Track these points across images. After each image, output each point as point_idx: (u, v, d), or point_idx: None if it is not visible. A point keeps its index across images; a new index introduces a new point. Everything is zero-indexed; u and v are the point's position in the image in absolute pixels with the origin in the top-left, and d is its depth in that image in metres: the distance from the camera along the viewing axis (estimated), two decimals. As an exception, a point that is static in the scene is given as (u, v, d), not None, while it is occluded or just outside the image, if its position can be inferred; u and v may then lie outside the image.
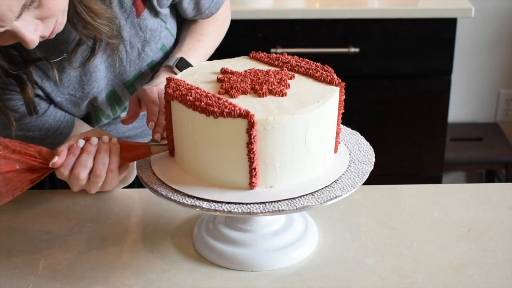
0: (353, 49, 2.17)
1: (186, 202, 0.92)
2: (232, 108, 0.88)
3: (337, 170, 0.98)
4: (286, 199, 0.92)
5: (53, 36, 0.97)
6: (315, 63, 1.02)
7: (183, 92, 0.93)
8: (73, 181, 1.00)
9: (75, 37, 1.08)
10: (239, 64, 1.04)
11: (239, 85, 0.95)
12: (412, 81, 2.27)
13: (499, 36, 2.64)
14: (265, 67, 1.02)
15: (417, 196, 1.19)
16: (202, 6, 1.22)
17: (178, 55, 1.21)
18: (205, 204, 0.91)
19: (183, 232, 1.08)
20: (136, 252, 1.04)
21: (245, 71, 1.00)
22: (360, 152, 1.03)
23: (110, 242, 1.07)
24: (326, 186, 0.94)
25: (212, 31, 1.29)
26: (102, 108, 1.23)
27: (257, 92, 0.94)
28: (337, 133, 1.00)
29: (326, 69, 1.00)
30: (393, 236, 1.07)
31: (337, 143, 1.01)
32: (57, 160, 0.99)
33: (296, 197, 0.92)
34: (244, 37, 2.18)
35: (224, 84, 0.96)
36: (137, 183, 1.34)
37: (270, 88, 0.95)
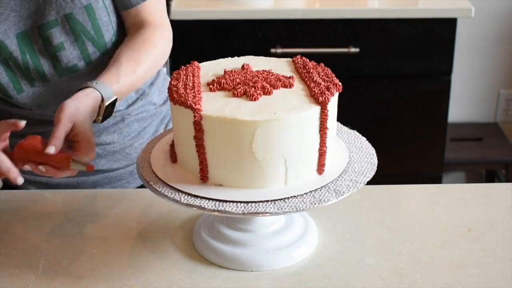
0: (353, 49, 2.17)
1: (186, 202, 0.92)
2: (185, 100, 0.91)
3: (335, 172, 0.98)
4: (286, 199, 0.92)
5: None
6: (334, 79, 0.97)
7: (178, 76, 0.99)
8: None
9: None
10: (271, 65, 1.05)
11: (227, 81, 0.97)
12: (412, 81, 2.27)
13: (499, 36, 2.64)
14: (288, 73, 1.02)
15: (417, 196, 1.19)
16: None
17: (113, 87, 1.11)
18: (205, 204, 0.91)
19: (183, 232, 1.08)
20: (136, 252, 1.04)
21: (256, 70, 1.00)
22: (361, 155, 1.03)
23: (110, 242, 1.07)
24: (322, 188, 0.94)
25: (148, 59, 1.19)
26: (10, 49, 1.14)
27: (233, 91, 0.95)
28: (320, 154, 0.95)
29: (329, 86, 0.95)
30: (393, 236, 1.07)
31: (321, 164, 0.96)
32: None
33: (291, 198, 0.92)
34: (244, 37, 2.18)
35: (217, 78, 0.99)
36: (137, 183, 1.34)
37: (247, 90, 0.95)
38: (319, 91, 0.94)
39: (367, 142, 1.06)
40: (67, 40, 1.16)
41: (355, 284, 0.97)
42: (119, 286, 0.97)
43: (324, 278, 0.98)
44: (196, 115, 0.90)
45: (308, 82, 0.97)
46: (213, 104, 0.92)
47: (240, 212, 0.90)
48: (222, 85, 0.97)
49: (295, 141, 0.92)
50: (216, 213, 0.90)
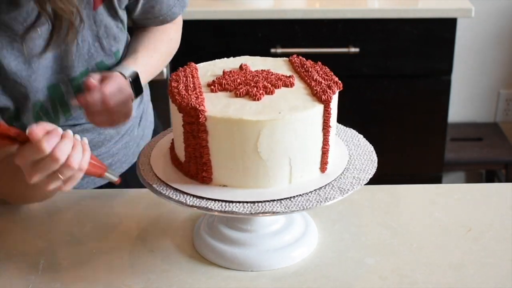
0: (353, 49, 2.17)
1: (186, 202, 0.92)
2: (188, 101, 0.91)
3: (337, 171, 0.98)
4: (286, 199, 0.92)
5: None
6: (333, 77, 0.98)
7: (176, 77, 0.98)
8: (46, 163, 0.89)
9: (33, 13, 1.03)
10: (268, 64, 1.05)
11: (228, 82, 0.97)
12: (412, 81, 2.27)
13: (499, 36, 2.64)
14: (286, 72, 1.02)
15: (417, 196, 1.19)
16: (158, 12, 1.21)
17: (133, 67, 1.17)
18: (205, 204, 0.91)
19: (183, 232, 1.08)
20: (136, 252, 1.04)
21: (256, 70, 1.00)
22: (361, 152, 1.03)
23: (110, 242, 1.07)
24: (326, 186, 0.94)
25: (163, 49, 1.27)
26: (41, 101, 1.14)
27: (236, 91, 0.95)
28: (323, 152, 0.96)
29: (330, 85, 0.95)
30: (393, 236, 1.07)
31: (324, 162, 0.97)
32: (35, 127, 0.88)
33: (296, 197, 0.92)
34: (244, 37, 2.18)
35: (217, 79, 0.98)
36: (137, 183, 1.34)
37: (250, 90, 0.95)
38: (321, 90, 0.94)
39: (364, 139, 1.06)
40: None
41: (355, 284, 0.97)
42: (119, 286, 0.97)
43: (324, 278, 0.98)
44: (200, 116, 0.90)
45: (309, 81, 0.98)
46: (216, 105, 0.92)
47: (247, 212, 0.90)
48: (223, 86, 0.96)
49: (300, 140, 0.92)
50: (223, 214, 0.90)
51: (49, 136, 0.89)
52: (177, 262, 1.02)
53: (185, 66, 1.03)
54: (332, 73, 1.00)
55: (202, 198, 0.92)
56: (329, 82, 0.96)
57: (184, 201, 0.92)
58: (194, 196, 0.93)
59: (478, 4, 2.31)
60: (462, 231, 1.08)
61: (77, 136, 0.95)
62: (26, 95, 1.11)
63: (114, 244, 1.06)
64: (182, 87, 0.95)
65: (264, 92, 0.94)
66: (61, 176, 0.91)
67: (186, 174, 0.97)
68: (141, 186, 1.01)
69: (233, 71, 1.01)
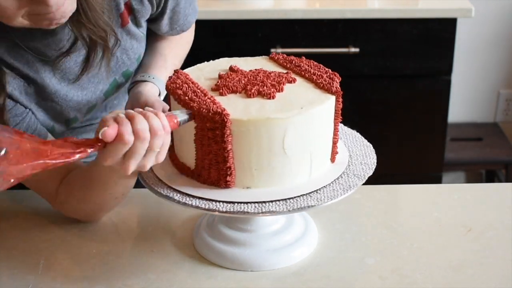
0: (353, 49, 2.17)
1: (186, 202, 0.92)
2: (211, 105, 0.89)
3: (337, 171, 0.98)
4: (286, 199, 0.92)
5: (60, 19, 0.94)
6: (326, 69, 1.00)
7: (178, 85, 0.96)
8: (138, 147, 0.87)
9: (69, 41, 1.06)
10: (253, 64, 1.04)
11: (233, 84, 0.96)
12: (412, 81, 2.27)
13: (499, 36, 2.64)
14: (277, 69, 1.02)
15: (417, 196, 1.19)
16: (175, 22, 1.22)
17: (163, 80, 1.20)
18: (204, 204, 0.91)
19: (183, 232, 1.08)
20: (136, 252, 1.04)
21: (250, 70, 1.00)
22: (361, 152, 1.03)
23: (110, 242, 1.07)
24: (326, 186, 0.94)
25: (182, 53, 1.31)
26: (77, 115, 1.18)
27: (246, 92, 0.95)
28: (334, 143, 0.99)
29: (331, 76, 0.98)
30: (393, 236, 1.07)
31: (334, 152, 1.00)
32: (107, 128, 0.85)
33: (296, 197, 0.92)
34: (244, 37, 2.18)
35: (220, 82, 0.97)
36: (137, 183, 1.34)
37: (261, 89, 0.95)
38: (327, 82, 0.96)
39: (368, 143, 1.06)
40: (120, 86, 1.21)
41: (355, 284, 0.97)
42: (119, 286, 0.97)
43: (324, 278, 0.98)
44: (226, 120, 0.88)
45: (308, 75, 0.99)
46: (235, 108, 0.91)
47: (286, 210, 0.90)
48: (231, 88, 0.96)
49: (318, 133, 0.95)
50: (223, 214, 0.90)
51: (122, 126, 0.86)
52: (177, 262, 1.02)
53: (175, 74, 1.00)
54: (322, 65, 1.02)
55: (202, 198, 0.92)
56: (328, 74, 0.99)
57: (184, 202, 0.92)
58: (194, 196, 0.93)
59: (478, 4, 2.31)
60: (462, 231, 1.08)
61: (137, 109, 0.92)
62: (60, 113, 1.14)
63: (114, 244, 1.06)
64: (191, 94, 0.94)
65: (275, 90, 0.95)
66: (155, 149, 0.89)
67: (204, 182, 0.95)
68: (141, 186, 1.01)
69: (229, 74, 1.00)
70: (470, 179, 2.83)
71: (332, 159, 1.00)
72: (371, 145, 1.05)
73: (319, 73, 0.99)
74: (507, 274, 0.98)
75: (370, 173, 0.98)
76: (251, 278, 0.98)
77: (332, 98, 0.95)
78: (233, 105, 0.91)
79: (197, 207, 0.91)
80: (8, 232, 1.10)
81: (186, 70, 1.03)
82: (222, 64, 1.05)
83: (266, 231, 1.01)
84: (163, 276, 0.99)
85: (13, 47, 1.05)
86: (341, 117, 0.98)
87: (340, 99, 0.96)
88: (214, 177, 0.94)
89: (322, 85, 0.96)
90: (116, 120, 0.87)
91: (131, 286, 0.97)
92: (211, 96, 0.93)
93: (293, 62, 1.03)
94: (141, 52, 1.20)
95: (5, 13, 0.90)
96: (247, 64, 1.05)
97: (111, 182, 0.99)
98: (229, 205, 0.91)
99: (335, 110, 0.96)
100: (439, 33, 2.18)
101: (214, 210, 0.91)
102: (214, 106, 0.89)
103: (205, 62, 1.07)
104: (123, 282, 0.98)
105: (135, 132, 0.86)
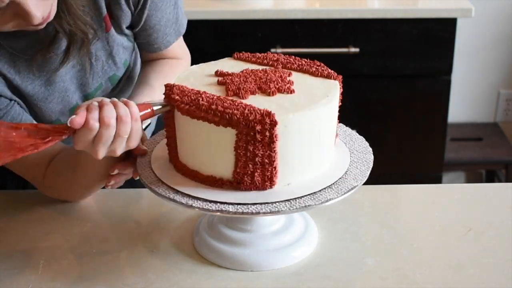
0: (353, 49, 2.17)
1: (186, 202, 0.92)
2: (252, 109, 0.88)
3: (337, 171, 0.98)
4: (286, 200, 0.92)
5: (46, 22, 0.97)
6: (304, 59, 1.03)
7: (192, 98, 0.92)
8: (103, 133, 0.91)
9: (51, 34, 1.07)
10: (228, 65, 1.03)
11: (245, 85, 0.95)
12: (412, 81, 2.27)
13: (499, 36, 2.64)
14: (255, 67, 1.02)
15: (417, 196, 1.19)
16: (154, 40, 1.22)
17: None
18: (204, 204, 0.91)
19: (183, 232, 1.08)
20: (136, 252, 1.04)
21: (242, 71, 1.00)
22: (359, 152, 1.03)
23: (110, 242, 1.07)
24: (326, 187, 0.94)
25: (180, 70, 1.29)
26: (60, 118, 1.20)
27: (265, 91, 0.94)
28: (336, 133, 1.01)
29: (318, 64, 1.01)
30: (393, 236, 1.07)
31: (335, 135, 1.02)
32: (75, 117, 0.90)
33: (296, 198, 0.92)
34: (244, 37, 2.18)
35: (230, 86, 0.95)
36: (137, 183, 1.34)
37: (277, 86, 0.95)
38: (322, 70, 0.99)
39: (366, 142, 1.06)
40: (106, 90, 1.23)
41: (355, 284, 0.97)
42: (119, 286, 0.97)
43: (324, 278, 0.98)
44: (271, 121, 0.87)
45: (295, 67, 1.01)
46: (270, 107, 0.90)
47: (218, 210, 0.90)
48: (247, 90, 0.94)
49: (335, 117, 0.99)
50: (223, 214, 0.90)
51: (90, 113, 0.91)
52: (177, 262, 1.02)
53: (174, 88, 0.95)
54: (293, 56, 1.04)
55: (202, 198, 0.92)
56: (313, 62, 1.02)
57: (184, 202, 0.92)
58: (194, 197, 0.93)
59: (478, 4, 2.31)
60: (462, 231, 1.08)
61: (113, 98, 0.96)
62: (42, 116, 1.16)
63: (114, 244, 1.06)
64: (206, 101, 0.91)
65: (289, 85, 0.96)
66: (123, 135, 0.93)
67: (245, 189, 0.93)
68: (141, 186, 1.01)
69: (230, 78, 0.98)
70: (470, 179, 2.83)
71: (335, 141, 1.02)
72: (368, 145, 1.05)
73: (306, 63, 1.01)
74: (507, 274, 0.98)
75: (371, 158, 1.00)
76: (251, 278, 0.98)
77: (336, 83, 0.97)
78: (267, 105, 0.90)
79: (192, 206, 0.91)
80: (8, 232, 1.10)
81: (175, 81, 0.99)
82: (198, 71, 1.02)
83: (266, 231, 1.01)
84: (163, 276, 0.99)
85: None
86: (342, 101, 1.00)
87: (341, 90, 0.99)
88: (258, 181, 0.92)
89: (318, 73, 0.99)
90: (87, 107, 0.92)
91: (131, 286, 0.97)
92: (235, 101, 0.91)
93: (266, 57, 1.04)
94: (128, 59, 1.21)
95: None
96: (222, 66, 1.02)
97: (96, 163, 1.00)
98: (229, 206, 0.91)
99: (340, 99, 1.00)
100: (439, 33, 2.18)
101: (212, 211, 0.91)
102: (257, 109, 0.88)
103: (182, 73, 1.03)
104: (123, 282, 0.98)
105: (100, 119, 0.91)
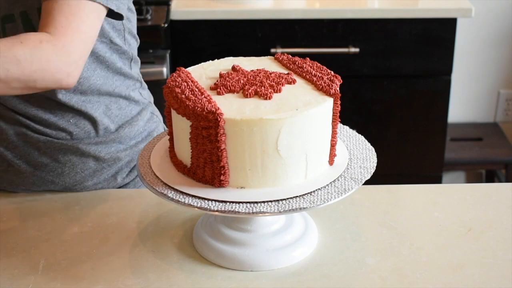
0: (353, 49, 2.17)
1: (185, 202, 0.92)
2: (205, 104, 0.90)
3: (337, 171, 0.98)
4: (286, 199, 0.92)
5: None
6: (329, 71, 1.00)
7: (177, 83, 0.96)
8: None
9: None
10: (257, 64, 1.04)
11: (232, 83, 0.96)
12: (412, 81, 2.27)
13: (499, 36, 2.64)
14: (280, 69, 1.02)
15: (417, 196, 1.19)
16: None
17: None
18: (204, 204, 0.91)
19: (183, 232, 1.08)
20: (136, 252, 1.04)
21: (252, 70, 1.00)
22: (361, 156, 1.03)
23: (110, 242, 1.07)
24: (321, 188, 0.94)
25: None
26: None
27: (244, 92, 0.95)
28: (332, 145, 0.98)
29: (331, 78, 0.98)
30: (393, 236, 1.07)
31: (332, 155, 0.99)
32: None
33: (296, 197, 0.92)
34: (244, 37, 2.19)
35: (219, 81, 0.97)
36: (137, 183, 1.34)
37: (258, 89, 0.95)
38: (326, 84, 0.96)
39: (367, 143, 1.06)
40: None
41: (355, 284, 0.97)
42: (119, 286, 0.97)
43: (324, 278, 0.98)
44: (219, 119, 0.89)
45: (308, 77, 0.99)
46: (230, 107, 0.91)
47: (277, 211, 0.90)
48: (229, 88, 0.96)
49: (314, 135, 0.94)
50: (223, 214, 0.90)
51: None
52: (177, 262, 1.02)
53: (177, 72, 1.01)
54: (324, 67, 1.01)
55: (202, 198, 0.92)
56: (329, 76, 0.98)
57: (184, 201, 0.92)
58: (194, 196, 0.93)
59: (478, 4, 2.31)
60: (462, 231, 1.08)
61: None
62: None
63: (114, 244, 1.06)
64: (188, 92, 0.94)
65: (272, 91, 0.95)
66: None
67: (199, 180, 0.95)
68: (141, 186, 1.01)
69: (230, 73, 1.00)
70: (470, 179, 2.83)
71: (331, 162, 0.99)
72: (373, 149, 1.04)
73: (320, 75, 0.98)
74: (507, 274, 0.98)
75: (368, 177, 0.97)
76: (251, 278, 0.98)
77: (330, 100, 0.94)
78: (228, 105, 0.92)
79: (189, 205, 0.91)
80: (8, 232, 1.10)
81: (189, 69, 1.03)
82: (226, 63, 1.05)
83: (266, 231, 1.01)
84: (163, 276, 0.99)
85: None
86: (339, 120, 0.97)
87: (339, 102, 0.95)
88: (208, 176, 0.94)
89: (321, 87, 0.96)
90: None
91: (131, 286, 0.97)
92: (208, 95, 0.93)
93: (296, 63, 1.03)
94: None
95: None
96: (251, 64, 1.05)
97: None
98: (221, 204, 0.91)
99: (333, 113, 0.96)
100: (439, 33, 2.18)
101: (206, 209, 0.91)
102: (209, 105, 0.90)
103: (209, 61, 1.07)
104: (123, 282, 0.98)
105: None
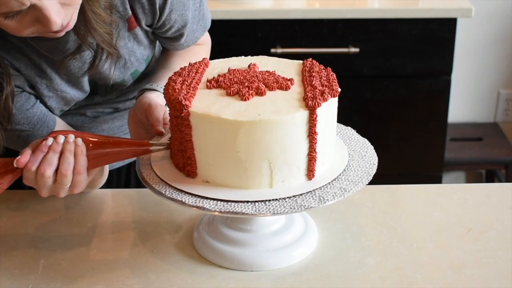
0: (353, 49, 2.17)
1: (186, 202, 0.92)
2: (177, 95, 0.92)
3: (337, 171, 0.98)
4: (286, 198, 0.92)
5: (65, 31, 0.97)
6: (334, 84, 0.96)
7: (181, 73, 0.99)
8: (39, 179, 0.96)
9: (72, 46, 1.07)
10: (281, 66, 1.03)
11: (226, 80, 0.97)
12: (412, 81, 2.27)
13: (499, 36, 2.64)
14: (291, 74, 1.00)
15: (417, 196, 1.19)
16: (179, 39, 1.21)
17: None
18: (205, 204, 0.91)
19: (183, 232, 1.08)
20: (136, 252, 1.04)
21: (261, 71, 1.00)
22: (362, 153, 1.03)
23: (110, 242, 1.07)
24: (326, 185, 0.94)
25: (202, 55, 1.29)
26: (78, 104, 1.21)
27: (227, 90, 0.95)
28: (310, 159, 0.94)
29: (324, 92, 0.93)
30: (393, 236, 1.07)
31: (311, 169, 0.94)
32: (20, 157, 0.95)
33: (296, 197, 0.92)
34: (244, 37, 2.18)
35: (219, 76, 0.99)
36: (137, 183, 1.34)
37: (240, 89, 0.94)
38: (312, 96, 0.92)
39: (370, 145, 1.05)
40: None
41: (355, 284, 0.97)
42: (119, 286, 0.97)
43: (324, 278, 0.98)
44: (184, 111, 0.91)
45: (306, 86, 0.96)
46: (203, 102, 0.93)
47: (247, 212, 0.90)
48: (219, 83, 0.97)
49: (281, 144, 0.91)
50: (223, 214, 0.91)
51: (34, 156, 0.96)
52: (177, 262, 1.02)
53: (196, 62, 1.03)
54: (336, 80, 0.97)
55: (203, 197, 0.92)
56: (325, 88, 0.94)
57: (184, 201, 0.92)
58: (194, 195, 0.93)
59: (478, 4, 2.31)
60: (462, 231, 1.08)
61: (70, 137, 0.97)
62: (71, 100, 1.16)
63: (114, 244, 1.06)
64: (180, 81, 0.96)
65: (254, 93, 0.94)
66: (62, 185, 0.97)
67: (175, 166, 0.98)
68: (141, 186, 1.01)
69: (238, 70, 1.00)
70: (470, 179, 2.83)
71: (309, 176, 0.95)
72: (375, 154, 1.02)
73: (316, 86, 0.94)
74: (507, 274, 0.98)
75: (366, 182, 0.96)
76: (251, 278, 0.98)
77: (304, 112, 0.90)
78: (204, 99, 0.93)
79: (191, 205, 0.92)
80: (8, 232, 1.10)
81: (213, 61, 1.06)
82: (252, 60, 1.05)
83: (266, 231, 1.01)
84: (163, 276, 0.99)
85: (20, 50, 1.07)
86: (316, 133, 0.92)
87: (315, 115, 0.90)
88: (180, 164, 0.97)
89: (305, 97, 0.92)
90: (35, 148, 0.96)
91: (131, 286, 0.97)
92: (194, 87, 0.95)
93: (312, 71, 1.00)
94: (149, 54, 1.21)
95: (10, 30, 0.94)
96: (274, 65, 1.03)
97: None
98: (221, 204, 0.92)
99: (309, 126, 0.91)
100: (439, 33, 2.18)
101: (205, 209, 0.91)
102: (182, 96, 0.92)
103: (242, 56, 1.07)
104: (123, 282, 0.98)
105: (38, 168, 0.95)
